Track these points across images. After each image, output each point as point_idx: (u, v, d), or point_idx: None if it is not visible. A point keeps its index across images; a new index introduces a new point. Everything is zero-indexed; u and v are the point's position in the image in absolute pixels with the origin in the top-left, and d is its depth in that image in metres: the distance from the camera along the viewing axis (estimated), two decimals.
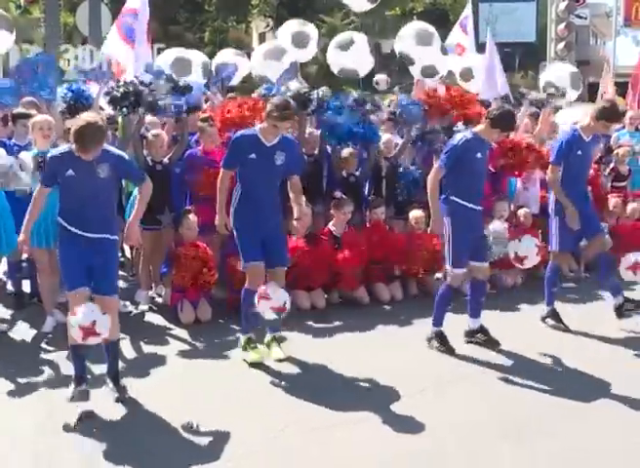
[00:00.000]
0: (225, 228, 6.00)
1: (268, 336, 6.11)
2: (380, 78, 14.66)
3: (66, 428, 4.78)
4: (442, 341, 6.20)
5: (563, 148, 6.68)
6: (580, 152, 6.64)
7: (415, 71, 9.42)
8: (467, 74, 10.14)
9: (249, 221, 5.83)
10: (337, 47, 9.18)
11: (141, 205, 5.40)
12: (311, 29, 9.96)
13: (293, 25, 10.05)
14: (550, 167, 6.80)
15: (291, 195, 5.95)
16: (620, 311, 6.82)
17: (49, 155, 5.22)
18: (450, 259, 6.12)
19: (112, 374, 5.27)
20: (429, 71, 9.24)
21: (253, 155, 5.77)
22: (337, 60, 9.23)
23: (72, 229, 5.09)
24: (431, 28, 9.36)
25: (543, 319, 6.89)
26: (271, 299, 5.65)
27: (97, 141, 4.89)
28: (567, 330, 6.72)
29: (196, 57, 9.31)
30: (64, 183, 5.09)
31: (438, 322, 6.28)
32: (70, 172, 5.01)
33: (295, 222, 6.12)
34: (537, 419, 4.98)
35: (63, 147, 5.21)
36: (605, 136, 8.88)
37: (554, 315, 6.85)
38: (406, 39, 9.27)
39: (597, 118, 6.60)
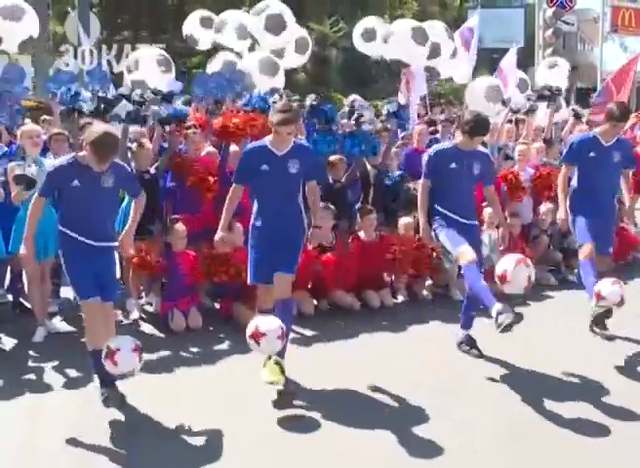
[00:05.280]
0: (224, 242, 5.83)
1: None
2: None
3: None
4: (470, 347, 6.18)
5: (573, 148, 6.69)
6: (593, 154, 6.54)
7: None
8: None
9: (264, 241, 5.59)
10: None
11: (136, 216, 5.47)
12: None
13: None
14: (562, 166, 6.84)
15: (309, 200, 5.84)
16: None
17: (54, 165, 5.12)
18: (450, 246, 5.92)
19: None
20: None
21: (264, 166, 5.53)
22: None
23: (78, 237, 5.08)
24: None
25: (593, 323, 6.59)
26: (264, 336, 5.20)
27: (115, 152, 4.95)
28: (609, 336, 6.59)
29: None
30: (69, 193, 5.06)
31: (489, 301, 5.60)
32: (76, 182, 4.99)
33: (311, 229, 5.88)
34: (538, 423, 5.04)
35: (67, 157, 5.18)
36: None
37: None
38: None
39: (606, 119, 6.58)
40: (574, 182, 6.81)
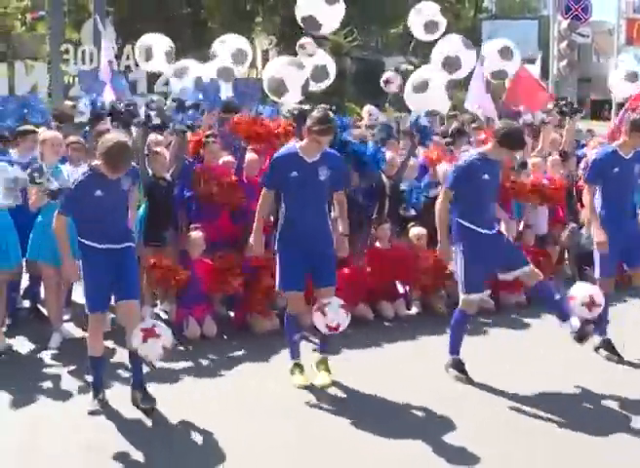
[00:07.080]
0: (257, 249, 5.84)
1: (316, 356, 5.93)
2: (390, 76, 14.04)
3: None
4: (460, 370, 5.96)
5: (595, 166, 6.46)
6: (617, 169, 6.31)
7: None
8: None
9: (294, 248, 5.61)
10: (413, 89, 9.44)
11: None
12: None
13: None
14: (585, 185, 6.61)
15: (336, 210, 5.88)
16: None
17: (74, 183, 5.17)
18: (462, 285, 5.83)
19: (140, 385, 5.32)
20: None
21: (294, 173, 5.54)
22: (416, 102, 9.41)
23: (97, 245, 5.15)
24: None
25: (596, 349, 6.56)
26: (327, 317, 5.54)
27: (128, 161, 5.04)
28: (620, 361, 6.43)
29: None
30: (91, 204, 5.10)
31: (454, 350, 6.01)
32: (99, 192, 5.06)
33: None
34: (546, 432, 5.02)
35: (83, 170, 5.25)
36: None
37: (607, 345, 6.55)
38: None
39: (630, 130, 6.33)
40: (598, 199, 6.49)
